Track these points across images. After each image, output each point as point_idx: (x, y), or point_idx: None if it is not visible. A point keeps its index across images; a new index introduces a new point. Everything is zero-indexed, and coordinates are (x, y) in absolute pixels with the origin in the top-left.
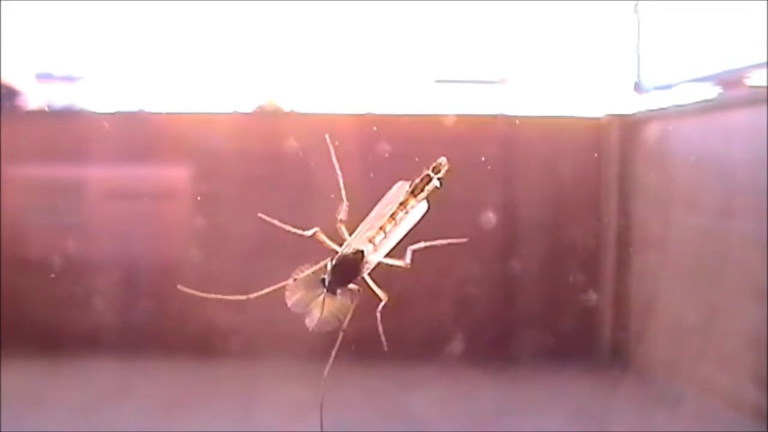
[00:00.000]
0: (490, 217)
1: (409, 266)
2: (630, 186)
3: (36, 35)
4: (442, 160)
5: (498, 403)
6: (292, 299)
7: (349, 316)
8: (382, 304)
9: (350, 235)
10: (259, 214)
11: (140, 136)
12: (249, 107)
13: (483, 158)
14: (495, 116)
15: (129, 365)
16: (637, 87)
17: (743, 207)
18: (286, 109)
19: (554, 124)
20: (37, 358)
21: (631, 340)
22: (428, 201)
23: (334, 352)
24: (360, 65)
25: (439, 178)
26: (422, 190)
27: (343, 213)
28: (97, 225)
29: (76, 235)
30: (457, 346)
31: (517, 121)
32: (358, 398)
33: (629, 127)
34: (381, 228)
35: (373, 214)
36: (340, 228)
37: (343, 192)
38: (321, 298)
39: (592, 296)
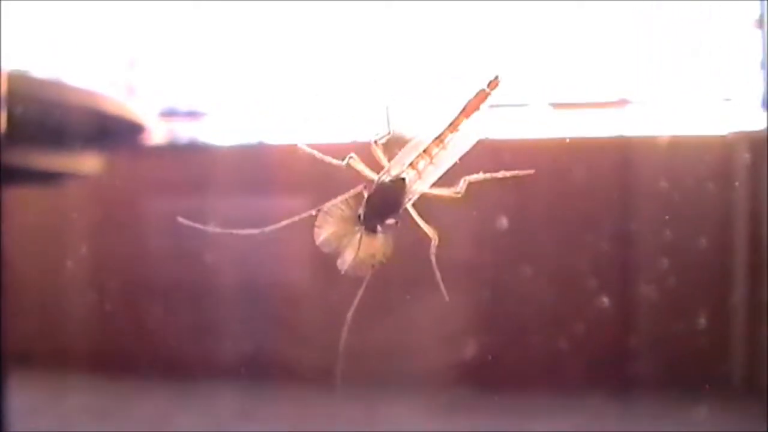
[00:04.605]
0: (609, 241)
1: (459, 195)
2: (759, 206)
3: (161, 73)
4: (499, 75)
5: None
6: (320, 236)
7: (383, 253)
8: (434, 243)
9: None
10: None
11: (260, 168)
12: (368, 136)
13: (603, 181)
14: (615, 138)
15: (251, 390)
16: (765, 102)
17: None
18: (407, 136)
19: (677, 143)
20: (163, 384)
21: (765, 367)
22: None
23: (361, 291)
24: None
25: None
26: (476, 109)
27: (382, 137)
28: (220, 254)
29: (199, 265)
30: (579, 373)
31: (638, 142)
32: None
33: (757, 144)
34: (426, 152)
35: (417, 138)
36: (375, 152)
37: (389, 122)
38: (357, 236)
39: (723, 321)
